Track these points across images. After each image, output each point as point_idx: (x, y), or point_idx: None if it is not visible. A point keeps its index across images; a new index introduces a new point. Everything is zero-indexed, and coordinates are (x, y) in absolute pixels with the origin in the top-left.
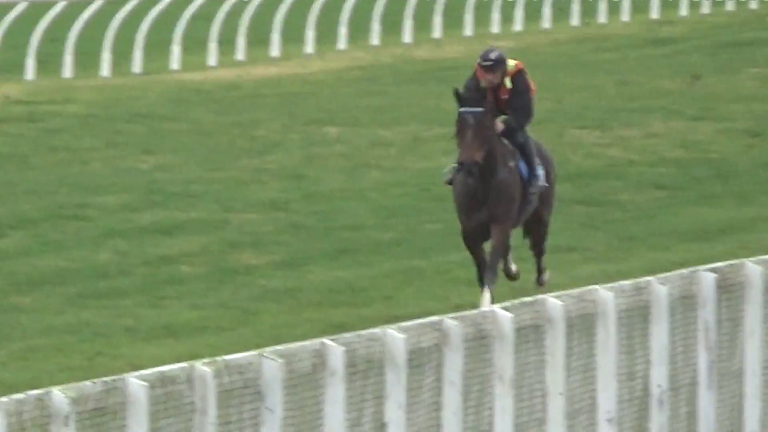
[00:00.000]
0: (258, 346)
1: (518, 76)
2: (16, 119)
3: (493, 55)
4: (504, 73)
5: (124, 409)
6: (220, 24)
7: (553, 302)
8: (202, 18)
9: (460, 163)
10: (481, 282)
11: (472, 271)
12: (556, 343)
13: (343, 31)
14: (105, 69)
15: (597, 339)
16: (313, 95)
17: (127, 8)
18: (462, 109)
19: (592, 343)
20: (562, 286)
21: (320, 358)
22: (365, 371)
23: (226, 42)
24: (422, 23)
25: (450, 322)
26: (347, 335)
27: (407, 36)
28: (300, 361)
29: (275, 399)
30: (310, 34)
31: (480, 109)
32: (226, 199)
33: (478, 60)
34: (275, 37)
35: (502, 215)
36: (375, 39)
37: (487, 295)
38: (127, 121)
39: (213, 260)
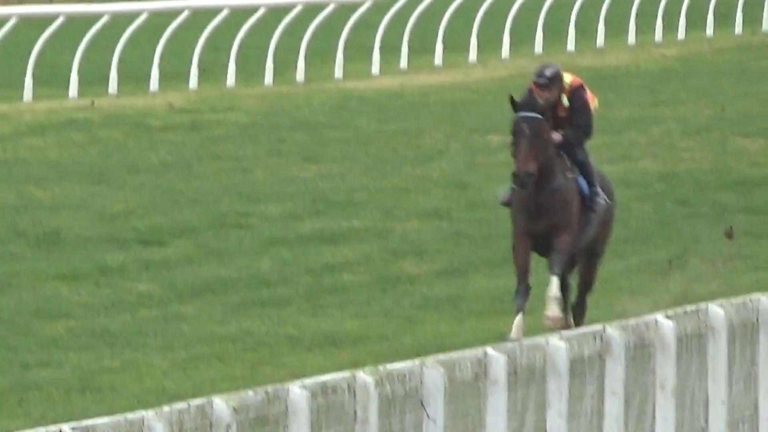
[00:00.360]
0: (419, 354)
1: (576, 92)
2: (180, 128)
3: (548, 72)
4: (561, 90)
5: (285, 419)
6: (383, 32)
7: (716, 310)
8: (365, 26)
9: (515, 175)
10: (521, 297)
11: (635, 280)
12: (718, 351)
13: (506, 39)
14: (268, 77)
15: (759, 347)
16: (476, 103)
17: (290, 17)
18: (519, 114)
19: (755, 351)
20: (725, 294)
21: (482, 367)
22: (527, 380)
23: (389, 50)
24: (585, 31)
25: (612, 330)
26: (509, 344)
27: (570, 44)
28: (462, 370)
29: (437, 408)
30: (473, 42)
31: (538, 116)
32: (389, 207)
33: (533, 77)
34: (438, 46)
35: (562, 221)
36: (538, 47)
37: (519, 319)
38: (290, 130)
39: (375, 269)
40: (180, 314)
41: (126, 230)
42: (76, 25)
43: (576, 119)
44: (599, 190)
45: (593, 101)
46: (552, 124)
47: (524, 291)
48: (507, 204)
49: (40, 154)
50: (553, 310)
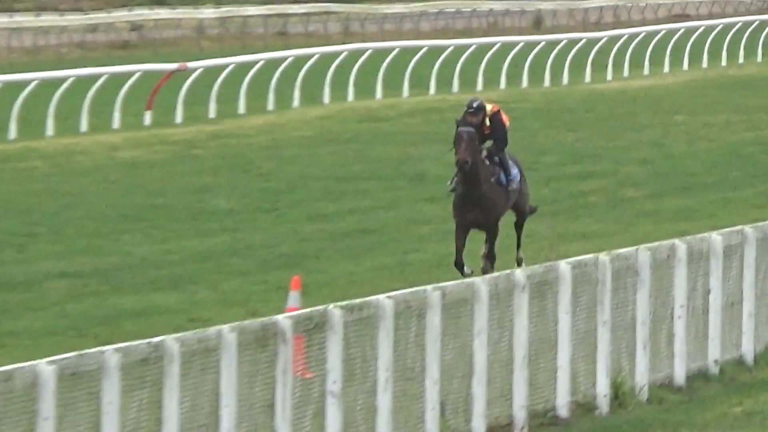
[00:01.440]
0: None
1: (494, 116)
2: None
3: (475, 104)
4: (484, 116)
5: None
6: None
7: None
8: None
9: (457, 161)
10: (459, 265)
11: None
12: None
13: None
14: None
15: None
16: None
17: None
18: (460, 129)
19: None
20: None
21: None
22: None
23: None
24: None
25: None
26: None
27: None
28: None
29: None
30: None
31: (471, 129)
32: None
33: (465, 108)
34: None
35: (490, 218)
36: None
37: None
38: None
39: (608, 196)
40: None
41: None
42: None
43: (496, 134)
44: (514, 172)
45: (507, 120)
46: (480, 137)
47: (462, 267)
48: (453, 191)
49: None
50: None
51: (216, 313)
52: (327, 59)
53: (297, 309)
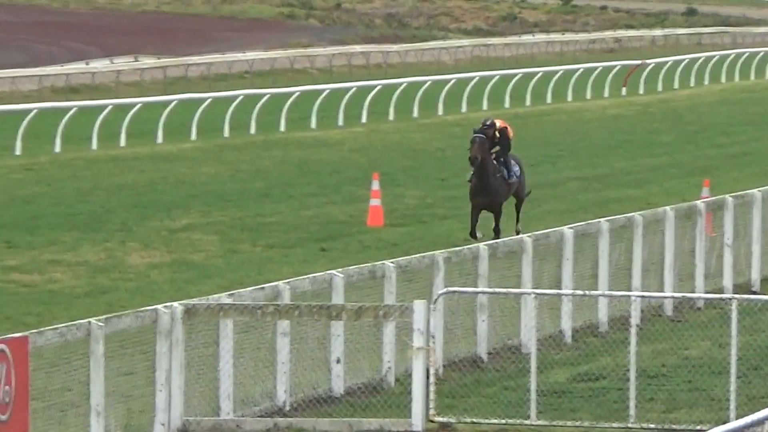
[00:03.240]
0: None
1: (502, 130)
2: None
3: (488, 121)
4: (495, 129)
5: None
6: None
7: None
8: None
9: (470, 158)
10: (473, 234)
11: None
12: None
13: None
14: None
15: None
16: None
17: None
18: (474, 134)
19: None
20: None
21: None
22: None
23: None
24: None
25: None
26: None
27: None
28: None
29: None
30: None
31: (482, 135)
32: None
33: (480, 122)
34: None
35: (495, 202)
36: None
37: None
38: None
39: None
40: None
41: None
42: None
43: (502, 142)
44: (514, 169)
45: (511, 131)
46: (491, 144)
47: (474, 234)
48: (470, 182)
49: None
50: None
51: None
52: None
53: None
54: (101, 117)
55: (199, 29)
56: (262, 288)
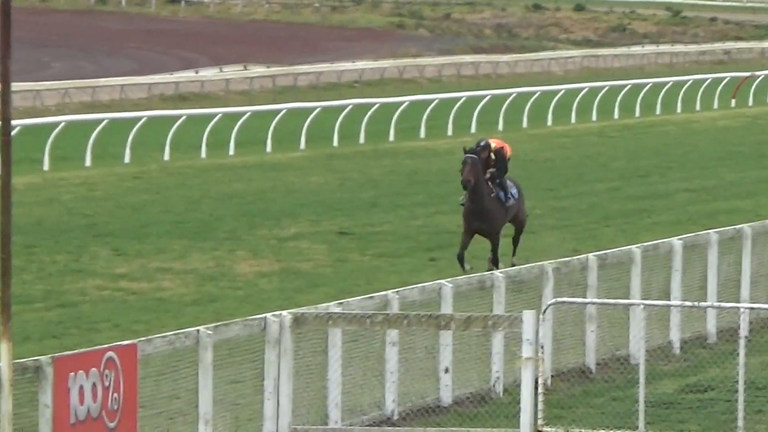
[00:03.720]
0: None
1: (498, 151)
2: None
3: (483, 143)
4: (490, 150)
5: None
6: None
7: None
8: None
9: (462, 181)
10: (460, 257)
11: None
12: None
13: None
14: None
15: None
16: None
17: None
18: (466, 155)
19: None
20: None
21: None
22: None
23: None
24: None
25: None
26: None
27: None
28: None
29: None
30: None
31: (475, 156)
32: None
33: (475, 144)
34: None
35: (492, 228)
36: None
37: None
38: None
39: None
40: None
41: None
42: None
43: (498, 164)
44: (510, 193)
45: (509, 151)
46: (485, 165)
47: (463, 261)
48: (463, 205)
49: None
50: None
51: None
52: None
53: None
54: (210, 125)
55: (308, 38)
56: (371, 297)
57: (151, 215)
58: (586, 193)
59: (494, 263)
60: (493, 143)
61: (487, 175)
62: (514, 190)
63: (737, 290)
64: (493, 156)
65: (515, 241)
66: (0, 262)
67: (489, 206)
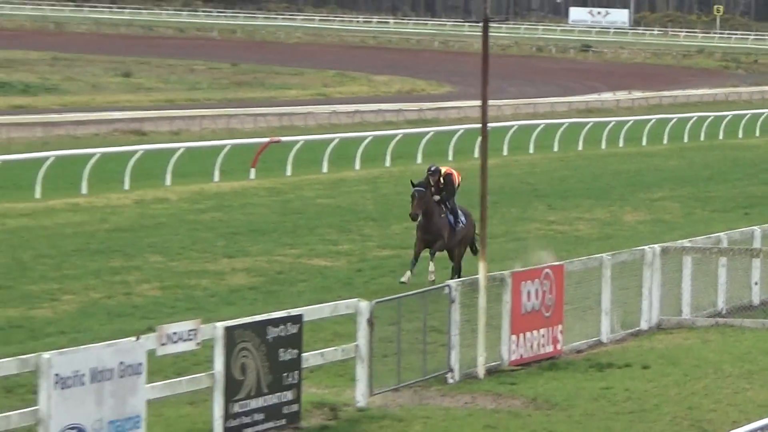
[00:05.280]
0: None
1: (447, 176)
2: None
3: (432, 168)
4: (440, 176)
5: None
6: None
7: None
8: None
9: (410, 214)
10: (412, 265)
11: None
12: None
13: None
14: None
15: None
16: None
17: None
18: (413, 189)
19: None
20: None
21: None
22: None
23: None
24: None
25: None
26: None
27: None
28: None
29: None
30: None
31: (422, 189)
32: None
33: (426, 171)
34: None
35: (437, 237)
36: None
37: (408, 274)
38: None
39: None
40: None
41: None
42: None
43: (446, 188)
44: (460, 218)
45: (458, 177)
46: (436, 190)
47: (414, 264)
48: (415, 219)
49: None
50: (431, 273)
51: None
52: None
53: None
54: (607, 130)
55: (669, 74)
56: (709, 237)
57: (570, 184)
58: None
59: (456, 271)
60: (444, 169)
61: (437, 198)
62: (462, 218)
63: None
64: (441, 181)
65: (459, 260)
66: (480, 212)
67: (438, 222)
